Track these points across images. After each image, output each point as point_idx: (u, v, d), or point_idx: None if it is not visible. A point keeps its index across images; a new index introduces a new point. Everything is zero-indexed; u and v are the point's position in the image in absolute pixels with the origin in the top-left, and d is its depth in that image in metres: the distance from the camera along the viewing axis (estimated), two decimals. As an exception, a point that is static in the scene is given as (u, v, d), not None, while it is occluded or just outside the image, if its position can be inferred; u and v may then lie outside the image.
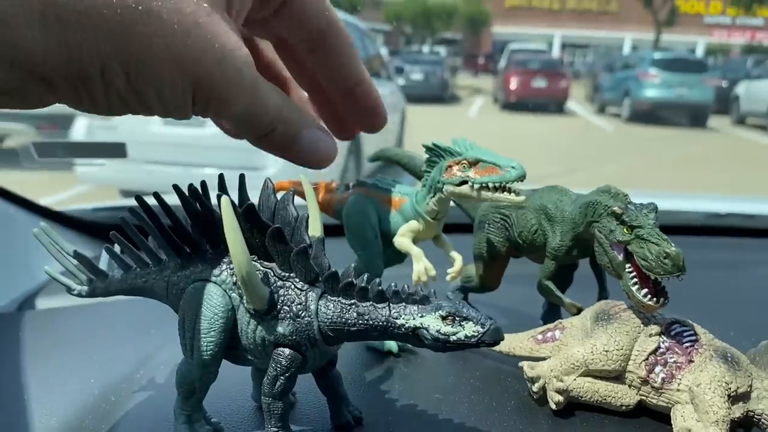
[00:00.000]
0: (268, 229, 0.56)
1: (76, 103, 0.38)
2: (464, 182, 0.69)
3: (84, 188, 4.36)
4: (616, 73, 13.17)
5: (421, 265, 0.74)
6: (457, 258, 0.78)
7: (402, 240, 0.76)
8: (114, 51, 0.35)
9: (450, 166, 0.71)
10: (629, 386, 0.67)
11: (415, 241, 0.76)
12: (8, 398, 0.72)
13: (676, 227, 1.40)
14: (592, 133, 10.07)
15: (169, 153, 3.76)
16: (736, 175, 6.14)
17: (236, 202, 0.56)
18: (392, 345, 0.80)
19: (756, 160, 7.67)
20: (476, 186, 0.68)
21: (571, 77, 15.19)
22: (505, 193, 0.68)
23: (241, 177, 0.61)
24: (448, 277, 0.77)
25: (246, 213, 0.55)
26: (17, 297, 1.04)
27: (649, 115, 11.50)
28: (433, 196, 0.74)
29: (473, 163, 0.69)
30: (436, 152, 0.73)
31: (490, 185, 0.68)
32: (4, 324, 0.92)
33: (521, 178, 0.67)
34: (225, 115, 0.41)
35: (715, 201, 1.86)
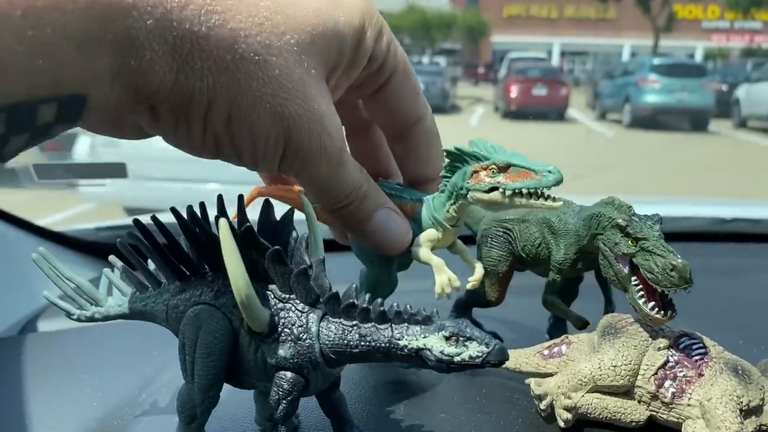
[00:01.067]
0: (267, 251, 0.55)
1: (171, 135, 0.39)
2: (494, 188, 0.64)
3: (90, 206, 4.36)
4: (615, 79, 13.19)
5: (444, 276, 0.68)
6: (477, 266, 0.73)
7: (421, 250, 0.70)
8: (224, 91, 0.36)
9: (476, 172, 0.65)
10: (639, 402, 0.66)
11: (432, 250, 0.71)
12: (11, 424, 0.71)
13: (679, 234, 1.39)
14: (594, 140, 10.08)
15: (172, 169, 3.76)
16: (739, 179, 6.13)
17: (236, 223, 0.55)
18: None
19: (759, 163, 7.66)
20: (508, 192, 0.63)
21: (570, 84, 15.22)
22: (540, 199, 0.63)
23: (240, 198, 0.60)
24: (468, 285, 0.72)
25: (244, 235, 0.55)
26: (19, 320, 1.03)
27: (650, 120, 11.51)
28: (454, 203, 0.68)
29: (503, 168, 0.64)
30: (458, 157, 0.67)
31: (524, 191, 0.63)
32: (5, 348, 0.91)
33: (559, 182, 0.62)
34: (308, 177, 0.41)
35: (720, 206, 1.85)
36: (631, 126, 11.38)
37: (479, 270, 0.73)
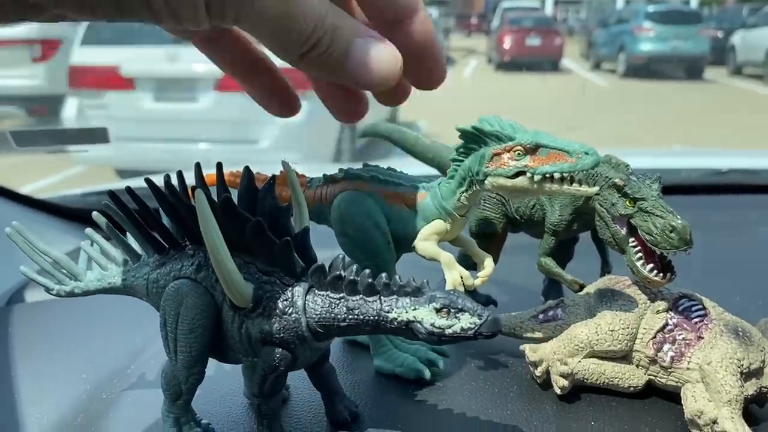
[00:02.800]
0: (248, 223, 0.52)
1: (76, 7, 0.31)
2: (520, 173, 0.57)
3: (80, 168, 4.31)
4: (610, 28, 13.01)
5: (455, 274, 0.62)
6: (487, 260, 0.66)
7: (426, 245, 0.63)
8: None
9: (497, 154, 0.58)
10: (637, 366, 0.65)
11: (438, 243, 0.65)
12: None
13: (674, 187, 1.36)
14: (588, 90, 9.99)
15: (161, 129, 3.72)
16: (734, 128, 6.09)
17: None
18: (422, 368, 0.68)
19: (754, 111, 7.61)
20: (537, 177, 0.56)
21: (564, 34, 15.02)
22: (574, 184, 0.57)
23: (219, 166, 0.57)
24: (477, 281, 0.65)
25: (223, 206, 0.52)
26: (5, 292, 1.01)
27: (645, 69, 11.38)
28: (467, 190, 0.61)
29: (531, 150, 0.57)
30: (475, 137, 0.60)
31: (556, 175, 0.56)
32: None
33: (597, 165, 0.56)
34: (251, 23, 0.33)
35: (715, 157, 1.82)
36: (626, 75, 11.26)
37: (489, 264, 0.66)
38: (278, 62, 0.45)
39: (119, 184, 1.63)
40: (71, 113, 3.87)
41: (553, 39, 13.24)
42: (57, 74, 4.67)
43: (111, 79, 3.77)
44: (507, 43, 12.98)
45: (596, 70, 12.97)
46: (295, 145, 3.50)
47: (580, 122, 5.75)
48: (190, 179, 0.56)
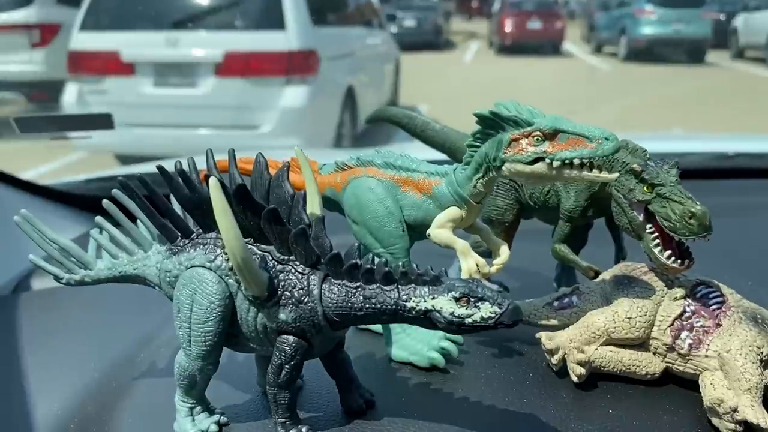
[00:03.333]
0: (262, 211, 0.51)
1: None
2: (539, 159, 0.57)
3: (80, 155, 4.29)
4: (611, 11, 12.90)
5: (471, 262, 0.62)
6: (503, 248, 0.65)
7: (441, 232, 0.62)
8: None
9: (515, 140, 0.57)
10: (654, 354, 0.64)
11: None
12: (7, 385, 0.70)
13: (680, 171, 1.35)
14: (590, 74, 9.94)
15: (162, 115, 3.69)
16: (737, 111, 6.06)
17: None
18: (436, 356, 0.67)
19: (757, 94, 7.57)
20: (556, 163, 0.56)
21: (566, 17, 14.91)
22: (594, 170, 0.56)
23: (231, 153, 0.56)
24: (493, 269, 0.64)
25: (237, 194, 0.51)
26: (11, 279, 1.00)
27: (647, 52, 11.32)
28: (483, 177, 0.60)
29: (550, 135, 0.56)
30: (492, 122, 0.59)
31: (576, 162, 0.55)
32: (0, 307, 0.89)
33: (618, 150, 0.56)
34: None
35: (721, 141, 1.80)
36: (627, 59, 11.19)
37: (505, 252, 0.65)
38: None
39: (121, 171, 1.62)
40: (71, 99, 3.84)
41: (554, 22, 13.16)
42: (56, 59, 4.63)
43: (110, 65, 3.74)
44: (508, 26, 12.90)
45: (597, 53, 12.90)
46: (295, 130, 3.48)
47: (581, 106, 5.73)
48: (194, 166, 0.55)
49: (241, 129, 3.59)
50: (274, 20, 3.60)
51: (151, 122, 3.67)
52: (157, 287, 0.60)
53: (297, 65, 3.59)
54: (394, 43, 6.10)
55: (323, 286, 0.52)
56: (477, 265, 0.62)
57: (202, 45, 3.70)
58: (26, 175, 1.32)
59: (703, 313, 0.62)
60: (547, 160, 0.56)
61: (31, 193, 1.21)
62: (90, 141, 3.55)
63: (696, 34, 11.62)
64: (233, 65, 3.60)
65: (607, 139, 0.54)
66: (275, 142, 3.50)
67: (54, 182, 1.36)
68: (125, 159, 3.79)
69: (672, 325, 0.63)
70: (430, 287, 0.50)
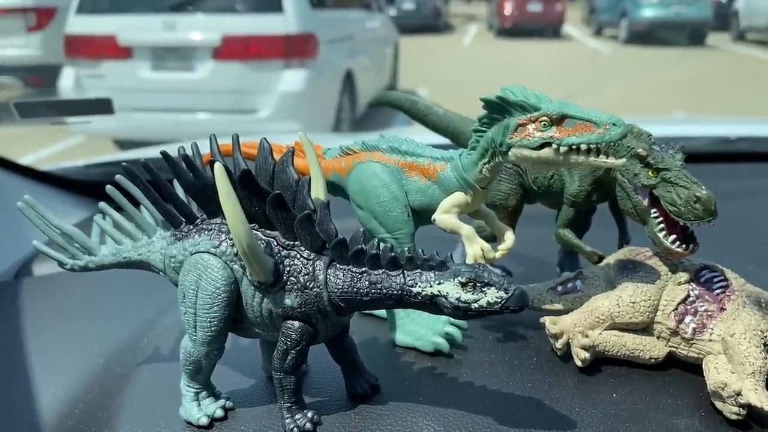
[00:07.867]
0: (267, 196, 0.51)
1: None
2: (545, 144, 0.56)
3: (79, 139, 4.27)
4: (612, -7, 12.83)
5: (476, 247, 0.62)
6: (508, 233, 0.65)
7: (447, 218, 0.62)
8: None
9: (522, 125, 0.57)
10: (658, 338, 0.64)
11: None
12: (11, 371, 0.70)
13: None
14: (590, 57, 9.89)
15: (159, 99, 3.67)
16: (737, 94, 6.04)
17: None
18: (440, 341, 0.67)
19: (758, 77, 7.54)
20: (563, 149, 0.55)
21: (566, 0, 14.81)
22: (601, 156, 0.55)
23: (235, 138, 0.56)
24: (498, 254, 0.64)
25: (242, 180, 0.51)
26: (14, 264, 1.00)
27: (647, 35, 11.26)
28: (489, 162, 0.60)
29: (558, 120, 0.56)
30: (499, 107, 0.58)
31: (583, 147, 0.55)
32: (2, 293, 0.89)
33: (625, 136, 0.55)
34: None
35: (722, 124, 1.80)
36: (628, 42, 11.13)
37: (510, 237, 0.65)
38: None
39: (120, 156, 1.61)
40: (68, 83, 3.82)
41: (554, 5, 13.06)
42: (52, 43, 4.59)
43: (108, 49, 3.72)
44: (508, 9, 12.81)
45: (598, 36, 12.83)
46: (294, 114, 3.47)
47: (581, 90, 5.72)
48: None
49: (239, 113, 3.57)
50: (272, 3, 3.57)
51: (148, 107, 3.65)
52: (161, 273, 0.60)
53: (295, 49, 3.57)
54: (393, 26, 6.06)
55: (329, 271, 0.52)
56: (482, 250, 0.61)
57: (200, 28, 3.67)
58: (24, 160, 1.31)
59: (707, 297, 0.62)
60: (554, 146, 0.56)
61: (31, 178, 1.20)
62: (88, 126, 3.54)
63: (697, 16, 11.56)
64: (231, 49, 3.57)
65: (614, 124, 0.54)
66: (274, 126, 3.48)
67: (53, 167, 1.36)
68: (123, 144, 3.78)
69: (676, 309, 0.63)
70: (436, 272, 0.50)
